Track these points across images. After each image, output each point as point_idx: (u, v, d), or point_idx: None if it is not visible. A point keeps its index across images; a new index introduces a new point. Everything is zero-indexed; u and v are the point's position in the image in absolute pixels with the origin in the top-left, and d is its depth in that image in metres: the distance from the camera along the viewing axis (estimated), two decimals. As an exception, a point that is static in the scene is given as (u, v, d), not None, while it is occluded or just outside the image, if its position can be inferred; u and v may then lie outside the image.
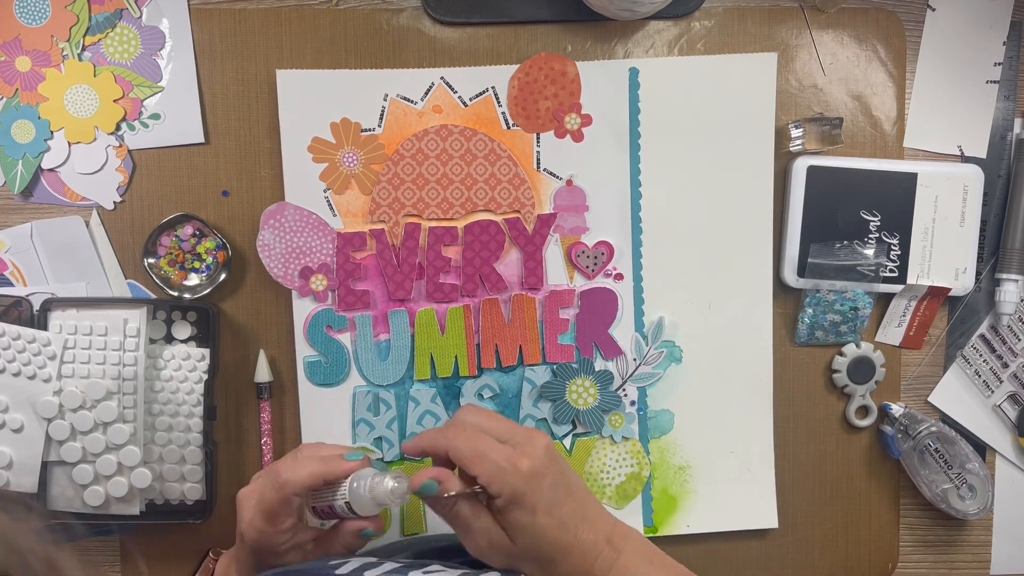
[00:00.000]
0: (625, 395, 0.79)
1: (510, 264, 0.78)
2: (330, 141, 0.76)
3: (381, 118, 0.76)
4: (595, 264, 0.78)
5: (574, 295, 0.78)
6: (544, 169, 0.77)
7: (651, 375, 0.79)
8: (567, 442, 0.79)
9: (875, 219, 0.77)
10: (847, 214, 0.77)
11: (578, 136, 0.77)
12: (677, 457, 0.79)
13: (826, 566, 0.81)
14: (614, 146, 0.77)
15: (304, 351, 0.77)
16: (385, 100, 0.76)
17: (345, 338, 0.77)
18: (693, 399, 0.79)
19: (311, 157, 0.76)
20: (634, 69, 0.76)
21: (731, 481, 0.80)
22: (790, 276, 0.78)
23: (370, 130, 0.76)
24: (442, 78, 0.76)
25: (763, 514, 0.80)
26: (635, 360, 0.79)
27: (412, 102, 0.76)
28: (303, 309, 0.77)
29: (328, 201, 0.76)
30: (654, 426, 0.79)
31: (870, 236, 0.77)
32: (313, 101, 0.76)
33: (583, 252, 0.77)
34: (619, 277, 0.78)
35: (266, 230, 0.76)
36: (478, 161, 0.77)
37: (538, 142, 0.77)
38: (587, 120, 0.77)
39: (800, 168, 0.77)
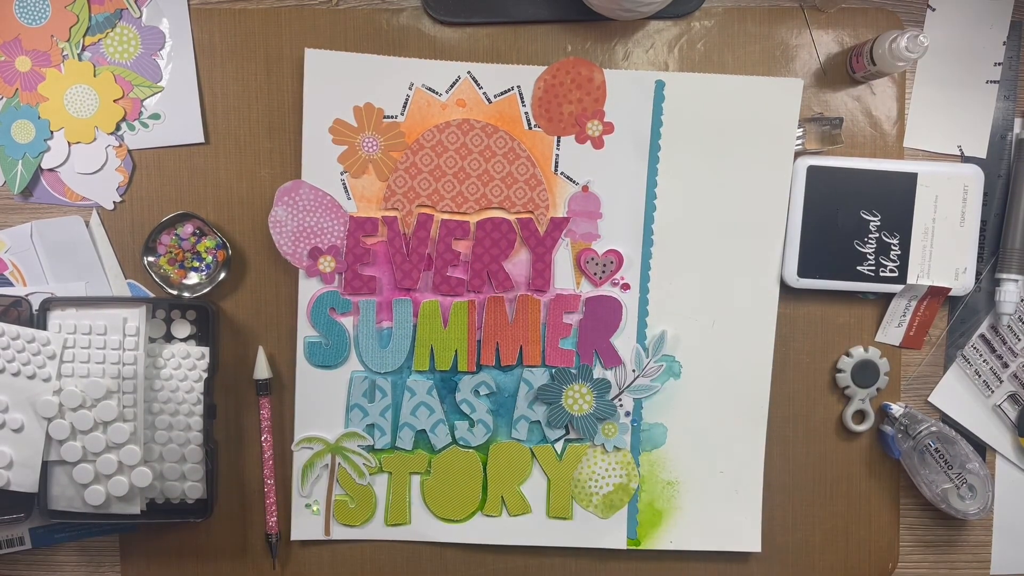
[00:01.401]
0: (621, 405, 0.79)
1: (519, 264, 0.78)
2: (352, 124, 0.76)
3: (405, 106, 0.76)
4: (603, 272, 0.78)
5: (579, 301, 0.78)
6: (562, 172, 0.77)
7: (648, 388, 0.79)
8: (559, 447, 0.79)
9: (875, 219, 0.77)
10: (847, 214, 0.77)
11: (598, 143, 0.77)
12: (666, 472, 0.79)
13: (826, 566, 0.81)
14: (633, 156, 0.77)
15: (306, 331, 0.77)
16: (410, 89, 0.76)
17: (348, 322, 0.77)
18: (687, 416, 0.79)
19: (331, 138, 0.76)
20: (660, 82, 0.76)
21: (718, 501, 0.80)
22: (790, 276, 0.78)
23: (392, 117, 0.76)
24: (469, 72, 0.76)
25: (747, 537, 0.80)
26: (634, 371, 0.79)
27: (437, 93, 0.76)
28: (309, 289, 0.77)
29: (344, 184, 0.76)
30: (646, 439, 0.79)
31: (870, 236, 0.77)
32: (339, 83, 0.76)
33: (592, 259, 0.77)
34: (626, 287, 0.78)
35: (279, 207, 0.76)
36: (497, 158, 0.77)
37: (558, 145, 0.77)
38: (609, 128, 0.77)
39: (800, 168, 0.77)
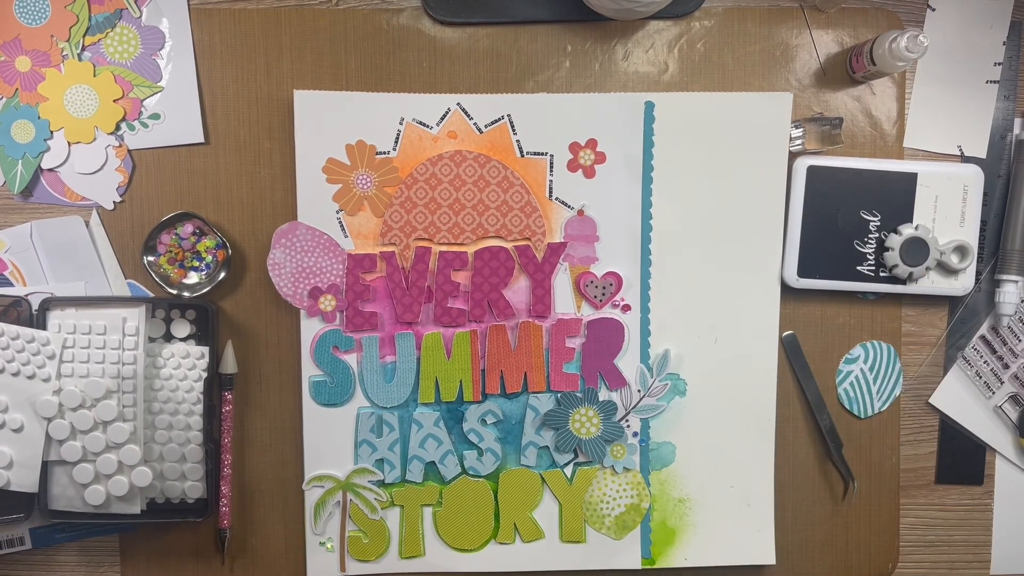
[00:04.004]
0: (628, 426, 0.79)
1: (518, 291, 0.78)
2: (345, 163, 0.76)
3: (396, 141, 0.76)
4: (603, 294, 0.78)
5: (581, 324, 0.78)
6: (556, 198, 0.77)
7: (655, 407, 0.79)
8: (568, 471, 0.79)
9: (875, 219, 0.77)
10: (847, 214, 0.77)
11: (590, 172, 0.77)
12: (677, 490, 0.79)
13: (826, 566, 0.81)
14: (627, 178, 0.77)
15: (310, 371, 0.77)
16: (401, 124, 0.76)
17: (351, 359, 0.77)
18: (695, 432, 0.79)
19: (325, 178, 0.76)
20: (650, 103, 0.76)
21: (730, 515, 0.80)
22: (790, 276, 0.78)
23: (385, 153, 0.76)
24: (458, 104, 0.76)
25: (761, 550, 0.80)
26: (639, 392, 0.79)
27: (428, 127, 0.76)
28: (311, 329, 0.77)
29: (340, 222, 0.76)
30: (655, 458, 0.79)
31: (870, 236, 0.77)
32: (329, 122, 0.76)
33: (592, 282, 0.77)
34: (626, 308, 0.78)
35: (277, 249, 0.76)
36: (491, 187, 0.77)
37: (551, 171, 0.77)
38: (601, 158, 0.77)
39: (800, 168, 0.77)
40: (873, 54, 0.73)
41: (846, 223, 0.77)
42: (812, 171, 0.76)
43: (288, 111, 0.76)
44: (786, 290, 0.79)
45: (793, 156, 0.77)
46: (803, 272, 0.77)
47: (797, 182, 0.77)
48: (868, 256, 0.77)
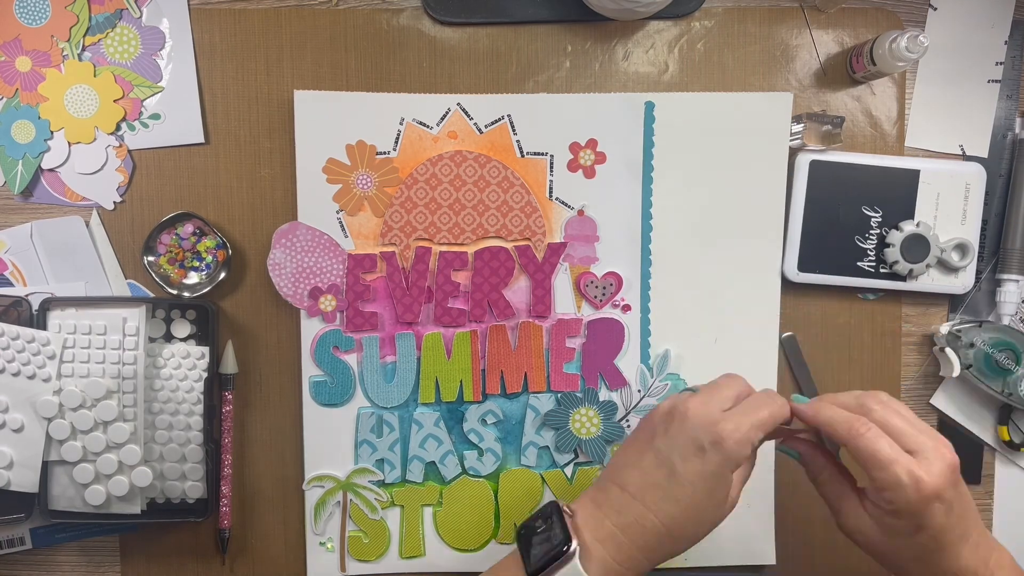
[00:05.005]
0: (628, 426, 0.79)
1: (518, 291, 0.78)
2: (345, 163, 0.76)
3: (396, 142, 0.76)
4: (603, 294, 0.78)
5: (581, 324, 0.78)
6: (556, 198, 0.77)
7: (655, 407, 0.78)
8: (568, 471, 0.79)
9: (876, 215, 0.77)
10: (849, 210, 0.77)
11: (590, 172, 0.77)
12: None
13: (826, 566, 0.81)
14: (627, 178, 0.77)
15: (310, 371, 0.77)
16: (401, 124, 0.76)
17: (351, 359, 0.77)
18: None
19: (325, 178, 0.76)
20: (650, 103, 0.76)
21: (730, 516, 0.79)
22: (791, 271, 0.77)
23: (385, 153, 0.76)
24: (459, 104, 0.76)
25: (761, 551, 0.80)
26: (639, 392, 0.78)
27: (428, 127, 0.76)
28: (311, 329, 0.77)
29: (340, 222, 0.76)
30: None
31: (871, 232, 0.77)
32: (330, 122, 0.76)
33: (592, 282, 0.77)
34: (627, 308, 0.78)
35: (277, 249, 0.76)
36: (491, 188, 0.77)
37: (551, 171, 0.77)
38: (601, 158, 0.77)
39: (803, 163, 0.77)
40: (873, 54, 0.73)
41: (847, 219, 0.77)
42: (815, 166, 0.76)
43: (288, 111, 0.76)
44: (787, 288, 0.78)
45: (793, 152, 0.77)
46: (803, 267, 0.77)
47: (799, 177, 0.77)
48: (869, 252, 0.77)
